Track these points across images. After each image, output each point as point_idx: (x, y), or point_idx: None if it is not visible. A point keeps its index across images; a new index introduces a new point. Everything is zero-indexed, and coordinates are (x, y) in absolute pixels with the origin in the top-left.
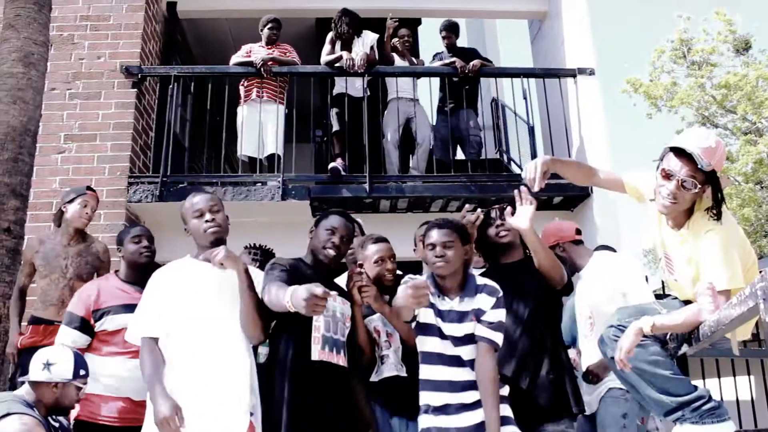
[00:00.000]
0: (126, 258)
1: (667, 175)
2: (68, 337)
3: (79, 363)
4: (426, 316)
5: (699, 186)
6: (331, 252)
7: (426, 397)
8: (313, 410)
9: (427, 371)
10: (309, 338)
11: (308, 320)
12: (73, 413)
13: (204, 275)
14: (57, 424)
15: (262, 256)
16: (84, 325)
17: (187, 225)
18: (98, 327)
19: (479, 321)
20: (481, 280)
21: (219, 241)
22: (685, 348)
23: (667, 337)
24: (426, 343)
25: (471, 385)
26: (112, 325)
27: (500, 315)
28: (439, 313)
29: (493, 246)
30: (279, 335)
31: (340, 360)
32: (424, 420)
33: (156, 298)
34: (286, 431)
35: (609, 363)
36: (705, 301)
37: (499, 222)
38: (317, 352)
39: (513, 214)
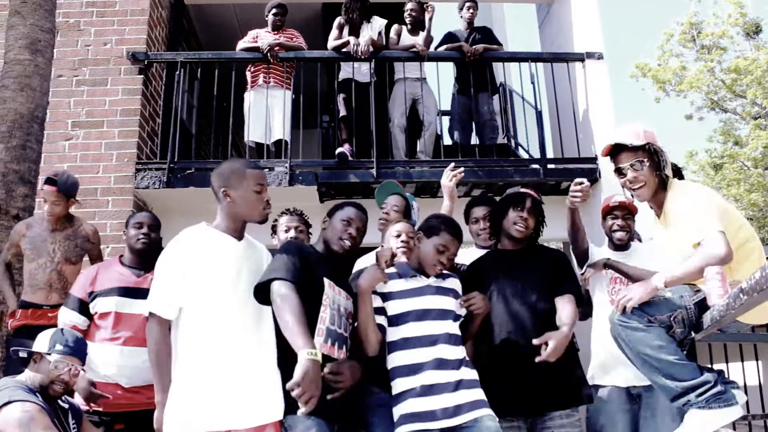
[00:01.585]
0: (126, 242)
1: (620, 171)
2: (66, 317)
3: (58, 339)
4: (396, 307)
5: (647, 161)
6: (348, 243)
7: (405, 382)
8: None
9: (404, 356)
10: (313, 329)
11: (314, 312)
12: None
13: (229, 250)
14: (66, 405)
15: (304, 223)
16: (82, 307)
17: (236, 192)
18: (92, 309)
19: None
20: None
21: (264, 222)
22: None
23: (671, 318)
24: (401, 330)
25: (454, 364)
26: (103, 307)
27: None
28: (412, 292)
29: (505, 230)
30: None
31: (341, 355)
32: (405, 406)
33: (173, 272)
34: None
35: (618, 343)
36: (714, 285)
37: (525, 215)
38: (320, 345)
39: (539, 209)
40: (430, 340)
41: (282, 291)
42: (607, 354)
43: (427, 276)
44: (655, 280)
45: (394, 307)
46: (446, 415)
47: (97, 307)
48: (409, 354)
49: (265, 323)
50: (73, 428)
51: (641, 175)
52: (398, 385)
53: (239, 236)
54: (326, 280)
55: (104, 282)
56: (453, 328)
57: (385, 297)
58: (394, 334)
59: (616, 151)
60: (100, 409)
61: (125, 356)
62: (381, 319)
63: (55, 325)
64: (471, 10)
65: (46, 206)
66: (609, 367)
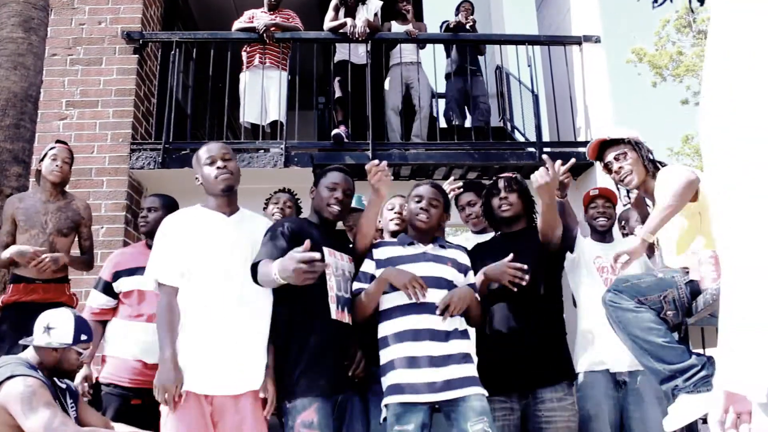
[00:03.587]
0: None
1: (608, 167)
2: (94, 300)
3: (80, 328)
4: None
5: (629, 151)
6: (336, 208)
7: (393, 351)
8: (327, 367)
9: (394, 324)
10: (325, 298)
11: (323, 281)
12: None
13: (218, 226)
14: (64, 386)
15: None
16: (108, 288)
17: (199, 173)
18: (116, 288)
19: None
20: (448, 241)
21: (230, 188)
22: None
23: (662, 299)
24: (395, 298)
25: (442, 335)
26: (126, 286)
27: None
28: (408, 258)
29: (496, 216)
30: (294, 295)
31: (348, 318)
32: (392, 376)
33: (169, 244)
34: (302, 389)
35: (610, 324)
36: (707, 269)
37: (503, 194)
38: (335, 312)
39: (517, 184)
40: (423, 309)
41: (261, 267)
42: (592, 338)
43: (425, 244)
44: (639, 234)
45: None
46: (432, 390)
47: (121, 286)
48: (399, 322)
49: (260, 298)
50: (71, 407)
51: (626, 164)
52: (387, 354)
53: (229, 212)
54: (325, 249)
55: (127, 262)
56: None
57: (380, 263)
58: (387, 302)
59: (601, 152)
60: (124, 384)
61: (149, 333)
62: (365, 286)
63: (48, 302)
64: (464, 12)
65: (53, 167)
66: (595, 352)
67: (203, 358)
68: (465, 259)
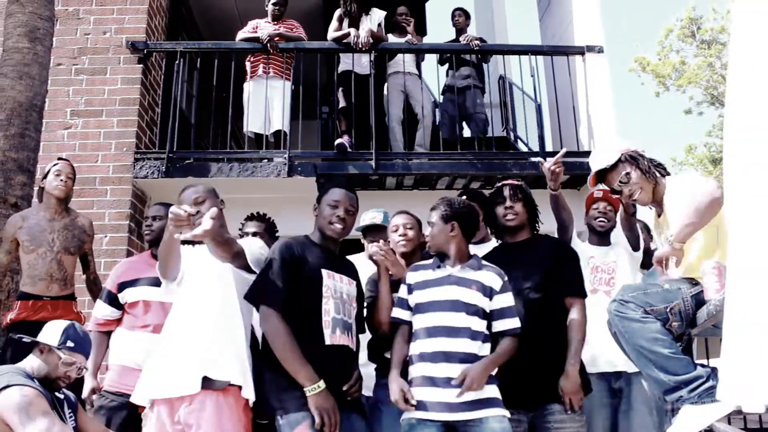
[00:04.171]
0: None
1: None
2: (99, 311)
3: (70, 335)
4: (416, 297)
5: (630, 171)
6: (339, 226)
7: (411, 371)
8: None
9: (414, 346)
10: (319, 322)
11: (317, 304)
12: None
13: (203, 251)
14: (62, 396)
15: (267, 228)
16: (113, 299)
17: None
18: (121, 299)
19: (494, 317)
20: (485, 262)
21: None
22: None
23: (668, 310)
24: (418, 320)
25: (461, 359)
26: (131, 297)
27: (510, 299)
28: (433, 282)
29: (500, 225)
30: (286, 316)
31: (350, 342)
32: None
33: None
34: (295, 404)
35: (613, 333)
36: (711, 280)
37: (508, 204)
38: (329, 337)
39: (522, 192)
40: (443, 331)
41: (268, 323)
42: (591, 343)
43: (453, 266)
44: (672, 243)
45: (415, 298)
46: (449, 409)
47: (126, 297)
48: (421, 344)
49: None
50: (69, 417)
51: (633, 186)
52: (409, 373)
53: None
54: (323, 272)
55: (132, 273)
56: (467, 321)
57: (411, 288)
58: (415, 323)
59: (601, 177)
60: (131, 393)
61: (154, 342)
62: (403, 314)
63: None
64: (457, 20)
65: (57, 182)
66: (588, 353)
67: (165, 361)
68: (493, 281)
